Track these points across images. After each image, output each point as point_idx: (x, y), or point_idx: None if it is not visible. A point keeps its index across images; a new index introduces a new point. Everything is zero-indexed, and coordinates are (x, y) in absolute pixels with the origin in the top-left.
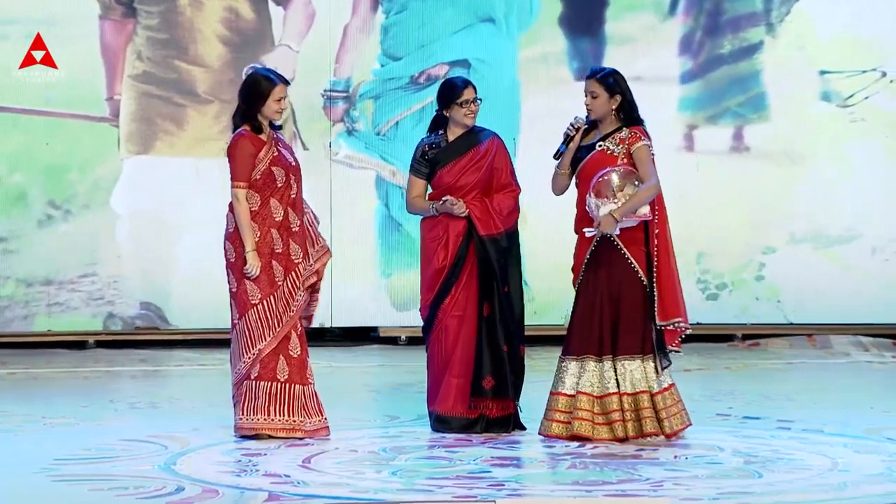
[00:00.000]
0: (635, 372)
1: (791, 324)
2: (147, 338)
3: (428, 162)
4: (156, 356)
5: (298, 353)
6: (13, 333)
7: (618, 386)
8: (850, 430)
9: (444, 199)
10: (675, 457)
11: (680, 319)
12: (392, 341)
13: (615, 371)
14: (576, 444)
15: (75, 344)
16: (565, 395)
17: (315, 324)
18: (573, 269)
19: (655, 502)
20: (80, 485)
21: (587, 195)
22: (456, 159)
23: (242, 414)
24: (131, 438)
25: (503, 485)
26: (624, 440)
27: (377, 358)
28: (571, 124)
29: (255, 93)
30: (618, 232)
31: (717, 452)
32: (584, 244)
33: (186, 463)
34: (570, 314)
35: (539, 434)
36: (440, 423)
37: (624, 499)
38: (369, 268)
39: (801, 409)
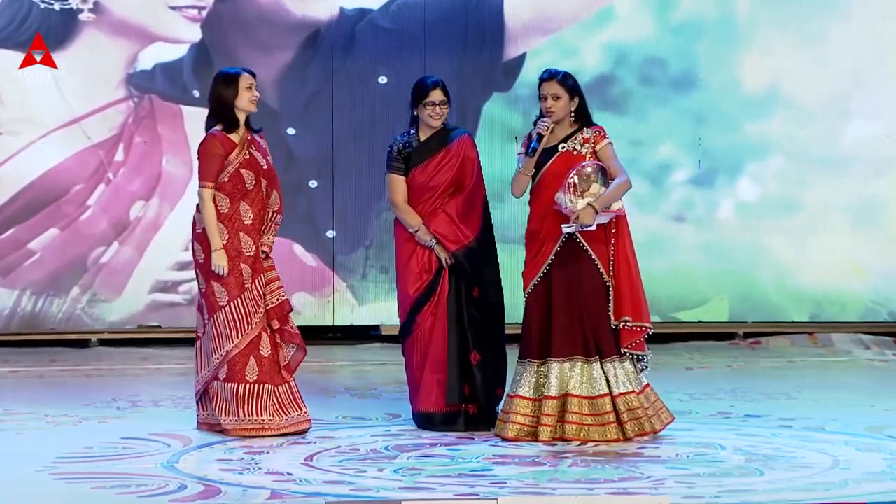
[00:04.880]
0: (595, 375)
1: (793, 322)
2: (149, 336)
3: (403, 160)
4: (158, 355)
5: (269, 352)
6: (16, 332)
7: (608, 387)
8: (852, 429)
9: (414, 229)
10: (677, 455)
11: (629, 318)
12: (394, 339)
13: (558, 372)
14: (577, 442)
15: (78, 342)
16: (525, 398)
17: (317, 322)
18: (526, 273)
19: (655, 500)
20: (83, 483)
21: (560, 193)
22: (428, 159)
23: (214, 413)
24: (134, 437)
25: (505, 483)
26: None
27: (379, 356)
28: (542, 122)
29: (225, 89)
30: (594, 227)
31: (718, 450)
32: (549, 245)
33: (189, 461)
34: (524, 318)
35: (496, 436)
36: (424, 420)
37: (625, 497)
38: (370, 265)
39: (803, 408)
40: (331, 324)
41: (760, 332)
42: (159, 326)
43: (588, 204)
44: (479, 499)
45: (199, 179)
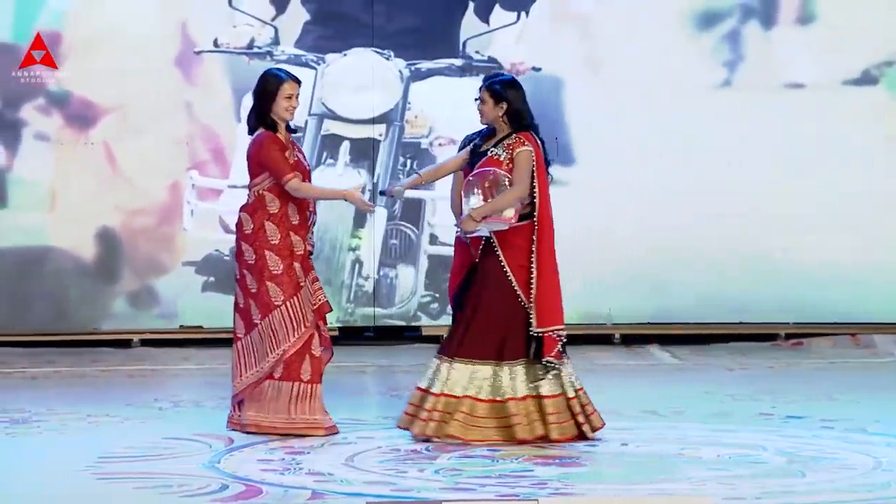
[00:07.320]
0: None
1: (835, 323)
2: (191, 336)
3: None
4: (199, 355)
5: (319, 353)
6: (59, 332)
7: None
8: (894, 430)
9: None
10: (718, 455)
11: (560, 327)
12: (435, 340)
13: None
14: (619, 442)
15: (120, 343)
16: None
17: (359, 323)
18: (453, 271)
19: (696, 501)
20: (125, 483)
21: (464, 195)
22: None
23: (262, 412)
24: (175, 437)
25: (546, 483)
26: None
27: (420, 357)
28: (381, 192)
29: (266, 91)
30: (486, 233)
31: (760, 452)
32: (474, 245)
33: (230, 461)
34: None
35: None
36: None
37: (665, 498)
38: (412, 266)
39: (845, 409)
40: (371, 324)
41: (802, 332)
42: (201, 327)
43: (469, 212)
44: (519, 499)
45: (279, 177)
